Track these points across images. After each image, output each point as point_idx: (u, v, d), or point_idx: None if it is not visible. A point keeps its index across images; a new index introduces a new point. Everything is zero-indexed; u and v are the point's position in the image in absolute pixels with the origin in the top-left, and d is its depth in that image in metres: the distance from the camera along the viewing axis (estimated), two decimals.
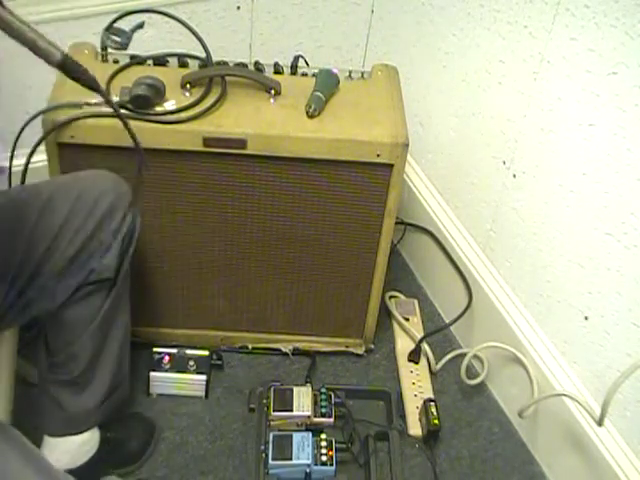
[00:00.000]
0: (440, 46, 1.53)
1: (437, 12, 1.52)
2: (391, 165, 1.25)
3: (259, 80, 1.29)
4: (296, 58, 1.37)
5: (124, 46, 1.28)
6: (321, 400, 1.38)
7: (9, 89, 1.52)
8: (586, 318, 1.25)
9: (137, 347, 1.44)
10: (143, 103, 1.20)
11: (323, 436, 1.34)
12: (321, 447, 1.32)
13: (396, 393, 1.48)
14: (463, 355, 1.51)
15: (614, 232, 1.15)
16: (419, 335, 1.57)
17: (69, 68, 0.84)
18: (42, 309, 1.10)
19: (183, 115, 1.21)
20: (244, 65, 1.33)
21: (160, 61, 1.33)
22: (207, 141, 1.22)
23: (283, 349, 1.54)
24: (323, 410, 1.37)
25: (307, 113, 1.25)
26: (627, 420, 1.21)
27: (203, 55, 1.30)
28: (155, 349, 1.46)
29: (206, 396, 1.46)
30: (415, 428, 1.43)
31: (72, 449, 1.23)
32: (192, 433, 1.41)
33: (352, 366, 1.56)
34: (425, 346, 1.55)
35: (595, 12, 1.09)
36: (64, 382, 1.18)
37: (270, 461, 1.30)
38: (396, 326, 1.63)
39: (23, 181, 1.26)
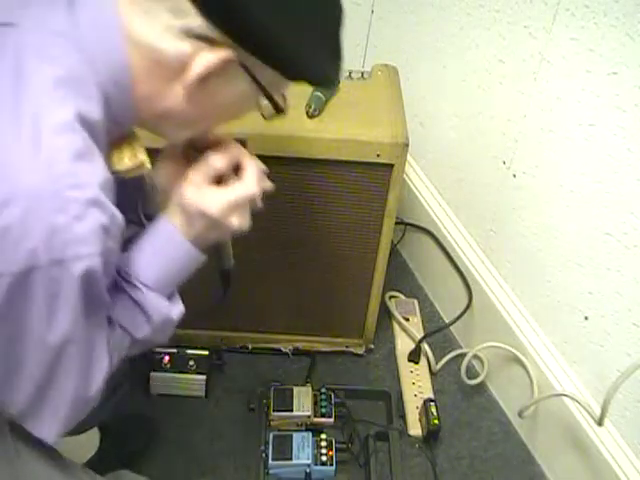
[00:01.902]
0: (440, 46, 1.53)
1: (437, 12, 1.52)
2: (391, 165, 1.25)
3: None
4: None
5: None
6: (321, 400, 1.38)
7: None
8: (586, 318, 1.25)
9: None
10: None
11: (323, 436, 1.34)
12: (321, 447, 1.32)
13: (396, 393, 1.48)
14: (463, 355, 1.51)
15: (614, 232, 1.15)
16: (419, 335, 1.57)
17: (226, 278, 0.99)
18: None
19: None
20: None
21: None
22: None
23: (283, 349, 1.54)
24: (323, 410, 1.37)
25: (307, 113, 1.25)
26: (627, 420, 1.21)
27: None
28: (155, 349, 1.46)
29: (206, 396, 1.46)
30: (415, 428, 1.43)
31: (72, 449, 1.23)
32: (192, 433, 1.41)
33: (352, 366, 1.56)
34: (425, 346, 1.55)
35: (595, 12, 1.09)
36: None
37: (270, 461, 1.30)
38: (396, 326, 1.63)
39: None
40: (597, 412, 1.20)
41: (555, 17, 1.18)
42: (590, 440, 1.25)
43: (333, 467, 1.31)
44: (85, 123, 0.67)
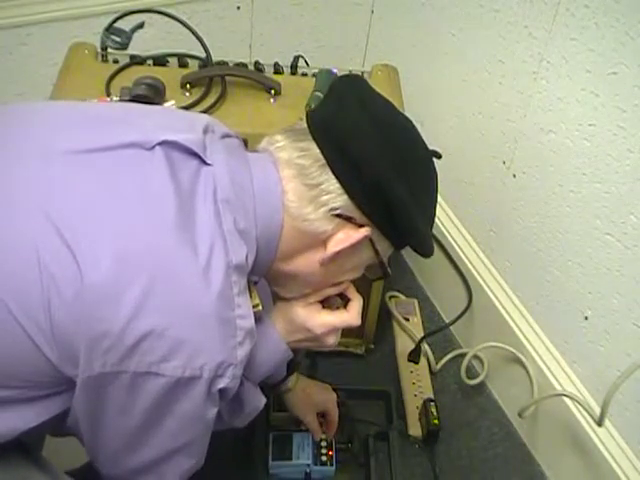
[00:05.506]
0: (440, 46, 1.53)
1: (437, 12, 1.52)
2: None
3: (259, 80, 1.28)
4: (296, 58, 1.37)
5: (124, 46, 1.28)
6: None
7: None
8: (586, 318, 1.25)
9: None
10: (143, 103, 1.20)
11: (323, 436, 1.34)
12: (321, 447, 1.32)
13: (396, 393, 1.47)
14: (463, 355, 1.51)
15: (614, 232, 1.15)
16: (419, 335, 1.57)
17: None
18: None
19: None
20: (244, 65, 1.33)
21: (160, 61, 1.33)
22: None
23: None
24: None
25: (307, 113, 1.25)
26: (627, 420, 1.21)
27: (203, 55, 1.30)
28: None
29: None
30: (415, 428, 1.43)
31: (74, 448, 1.23)
32: None
33: (352, 366, 1.56)
34: (425, 346, 1.55)
35: (595, 12, 1.09)
36: None
37: (270, 461, 1.30)
38: (396, 326, 1.63)
39: None
40: (597, 412, 1.20)
41: (555, 17, 1.18)
42: (590, 440, 1.25)
43: (333, 467, 1.31)
44: (243, 269, 0.78)
